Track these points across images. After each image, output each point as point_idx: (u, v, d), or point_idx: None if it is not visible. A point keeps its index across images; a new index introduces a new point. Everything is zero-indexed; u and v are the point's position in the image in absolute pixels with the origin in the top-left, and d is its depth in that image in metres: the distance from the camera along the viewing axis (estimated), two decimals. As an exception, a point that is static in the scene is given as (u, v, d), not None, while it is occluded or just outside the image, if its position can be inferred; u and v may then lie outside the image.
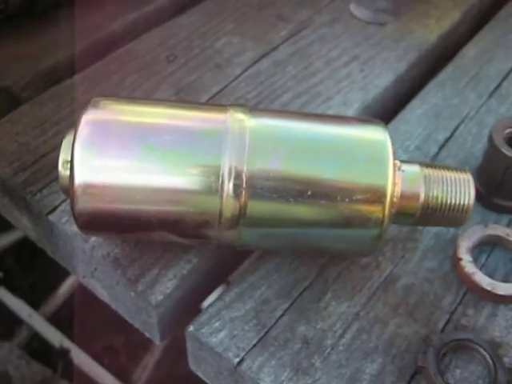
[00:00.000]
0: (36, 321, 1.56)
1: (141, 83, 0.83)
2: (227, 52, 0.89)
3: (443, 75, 0.90)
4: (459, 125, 0.83)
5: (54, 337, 1.55)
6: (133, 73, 0.84)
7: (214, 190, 0.58)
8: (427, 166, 0.64)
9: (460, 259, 0.68)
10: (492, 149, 0.71)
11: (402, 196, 0.62)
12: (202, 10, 0.96)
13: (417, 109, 0.85)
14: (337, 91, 0.84)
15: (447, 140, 0.82)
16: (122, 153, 0.58)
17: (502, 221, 0.74)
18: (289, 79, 0.85)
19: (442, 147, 0.81)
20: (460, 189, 0.63)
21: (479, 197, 0.75)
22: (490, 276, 0.68)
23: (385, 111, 0.85)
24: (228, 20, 0.94)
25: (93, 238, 0.67)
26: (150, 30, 0.90)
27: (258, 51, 0.89)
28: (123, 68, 0.84)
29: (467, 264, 0.67)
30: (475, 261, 0.70)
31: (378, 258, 0.69)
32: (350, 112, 0.82)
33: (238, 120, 0.60)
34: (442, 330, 0.64)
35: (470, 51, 0.94)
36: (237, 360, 0.60)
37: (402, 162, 0.64)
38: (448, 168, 0.65)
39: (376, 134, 0.62)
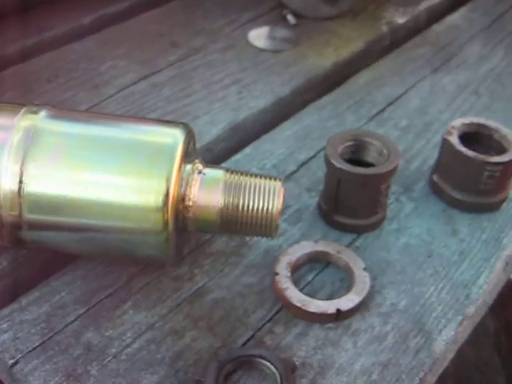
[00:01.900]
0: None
1: (15, 100, 0.83)
2: (109, 74, 0.88)
3: (325, 99, 0.87)
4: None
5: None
6: (11, 90, 0.84)
7: (-7, 187, 0.56)
8: (234, 172, 0.61)
9: (276, 274, 0.63)
10: (326, 162, 0.67)
11: (199, 200, 0.59)
12: (99, 37, 0.97)
13: (287, 129, 0.82)
14: (206, 111, 0.82)
15: (309, 159, 0.78)
16: None
17: (344, 239, 0.69)
18: (161, 99, 0.84)
19: (301, 166, 0.77)
20: (265, 196, 0.60)
21: (323, 214, 0.71)
22: (312, 295, 0.62)
23: (257, 132, 0.82)
24: (121, 46, 0.94)
25: None
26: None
27: (139, 74, 0.89)
28: (3, 86, 0.85)
29: (282, 279, 0.62)
30: (301, 278, 0.65)
31: (194, 271, 0.65)
32: (214, 130, 0.79)
33: (28, 117, 0.59)
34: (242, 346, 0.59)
35: (361, 77, 0.91)
36: (11, 362, 0.56)
37: (207, 166, 0.61)
38: (259, 176, 0.61)
39: (169, 134, 0.59)
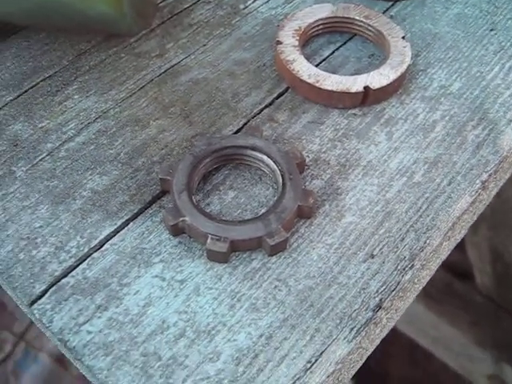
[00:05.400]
0: None
1: None
2: None
3: None
4: None
5: None
6: None
7: None
8: None
9: (279, 42, 0.41)
10: None
11: None
12: None
13: None
14: None
15: None
16: None
17: (374, 9, 0.46)
18: None
19: None
20: None
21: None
22: (333, 73, 0.41)
23: None
24: None
25: None
26: None
27: None
28: None
29: (287, 49, 0.41)
30: (314, 54, 0.43)
31: (166, 46, 0.44)
32: None
33: None
34: (230, 139, 0.38)
35: None
36: None
37: None
38: None
39: None
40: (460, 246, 0.96)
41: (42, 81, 0.41)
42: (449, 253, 0.41)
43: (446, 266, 0.99)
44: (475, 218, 0.42)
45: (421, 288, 0.38)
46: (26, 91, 0.41)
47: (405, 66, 0.40)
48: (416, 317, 0.93)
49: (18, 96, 0.41)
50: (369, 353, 0.35)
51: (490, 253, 0.91)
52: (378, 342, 0.35)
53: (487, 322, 0.95)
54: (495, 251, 0.91)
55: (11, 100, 0.40)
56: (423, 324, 0.96)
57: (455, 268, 0.97)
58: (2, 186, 0.36)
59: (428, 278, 0.39)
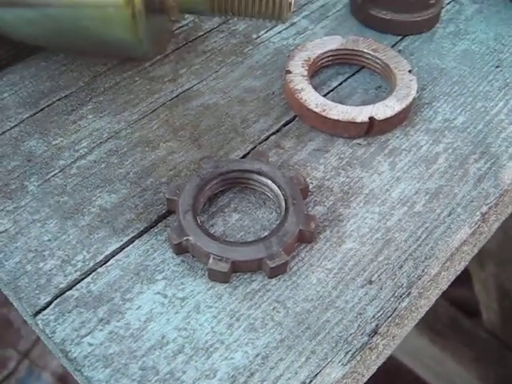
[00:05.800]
0: None
1: None
2: None
3: None
4: None
5: None
6: None
7: None
8: None
9: (288, 72, 0.42)
10: None
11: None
12: None
13: None
14: None
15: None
16: None
17: (385, 42, 0.48)
18: None
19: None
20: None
21: (356, 8, 0.49)
22: (340, 103, 0.42)
23: None
24: None
25: None
26: None
27: None
28: None
29: (296, 78, 0.42)
30: (323, 84, 0.44)
31: (179, 71, 0.45)
32: None
33: None
34: (237, 163, 0.39)
35: None
36: None
37: None
38: None
39: None
40: (468, 283, 0.96)
41: (58, 100, 0.43)
42: (449, 283, 0.41)
43: (453, 301, 0.99)
44: (476, 251, 0.43)
45: (419, 317, 0.39)
46: (42, 109, 0.42)
47: (410, 99, 0.41)
48: (420, 350, 0.93)
49: (35, 114, 0.42)
50: (365, 379, 0.35)
51: (496, 289, 0.91)
52: (374, 368, 0.36)
53: (491, 358, 0.94)
54: (502, 288, 0.91)
55: (27, 117, 0.42)
56: (427, 358, 0.96)
57: (463, 304, 0.97)
58: (14, 199, 0.37)
59: (426, 308, 0.39)
